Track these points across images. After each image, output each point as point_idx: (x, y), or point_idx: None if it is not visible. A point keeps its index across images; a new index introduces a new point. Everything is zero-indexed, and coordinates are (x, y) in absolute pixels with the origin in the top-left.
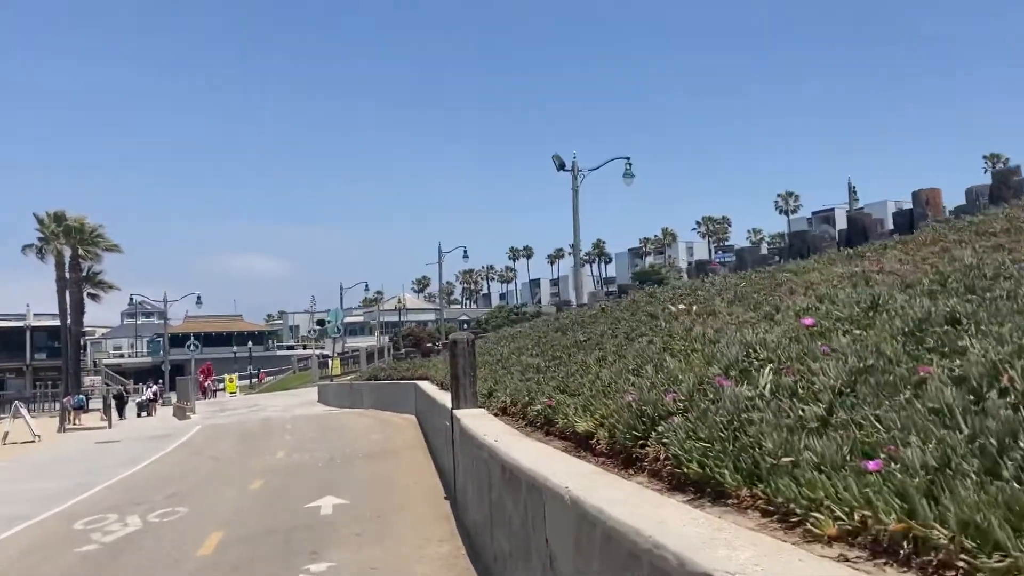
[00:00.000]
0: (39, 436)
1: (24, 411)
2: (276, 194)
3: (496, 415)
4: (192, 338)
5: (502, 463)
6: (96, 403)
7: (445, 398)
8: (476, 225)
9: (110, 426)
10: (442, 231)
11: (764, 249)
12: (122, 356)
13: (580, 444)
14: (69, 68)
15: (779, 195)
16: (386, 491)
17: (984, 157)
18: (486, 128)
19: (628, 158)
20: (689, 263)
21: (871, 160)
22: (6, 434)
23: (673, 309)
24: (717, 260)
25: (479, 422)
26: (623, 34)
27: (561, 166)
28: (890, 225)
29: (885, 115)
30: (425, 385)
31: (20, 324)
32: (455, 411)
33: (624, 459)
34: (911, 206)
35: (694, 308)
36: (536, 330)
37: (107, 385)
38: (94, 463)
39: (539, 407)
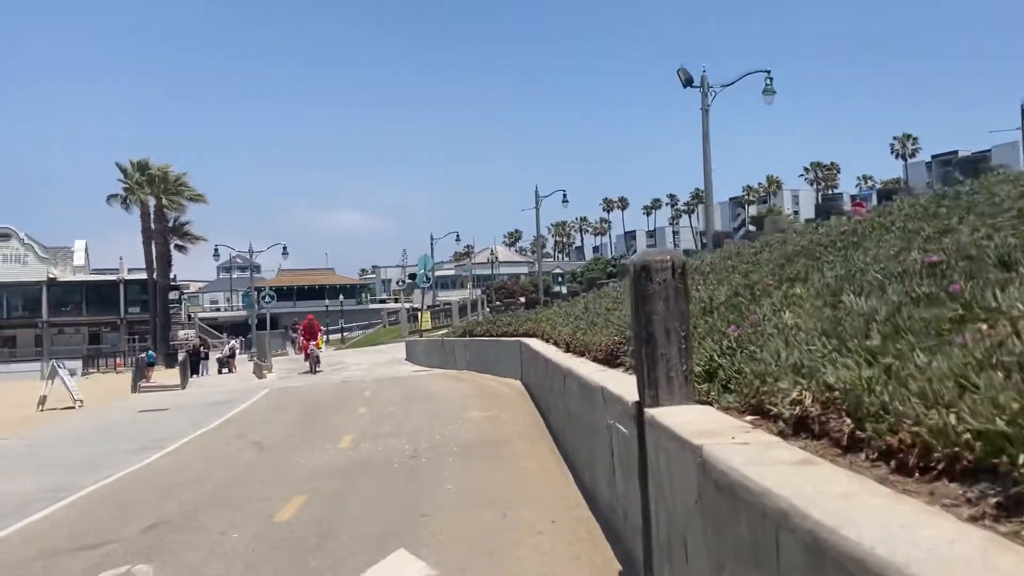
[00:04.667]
0: (81, 401)
1: (63, 372)
2: (370, 146)
3: (777, 432)
4: (267, 290)
5: None
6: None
7: (577, 365)
8: (568, 176)
9: (183, 386)
10: (535, 180)
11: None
12: (218, 310)
13: None
14: (152, 14)
15: (895, 138)
16: (506, 545)
17: None
18: (581, 75)
19: (768, 71)
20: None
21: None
22: (43, 399)
23: None
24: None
25: (811, 477)
26: None
27: (688, 82)
28: None
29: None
30: (536, 344)
31: (114, 278)
32: (651, 411)
33: None
34: None
35: None
36: (744, 262)
37: (200, 339)
38: (107, 447)
39: None
